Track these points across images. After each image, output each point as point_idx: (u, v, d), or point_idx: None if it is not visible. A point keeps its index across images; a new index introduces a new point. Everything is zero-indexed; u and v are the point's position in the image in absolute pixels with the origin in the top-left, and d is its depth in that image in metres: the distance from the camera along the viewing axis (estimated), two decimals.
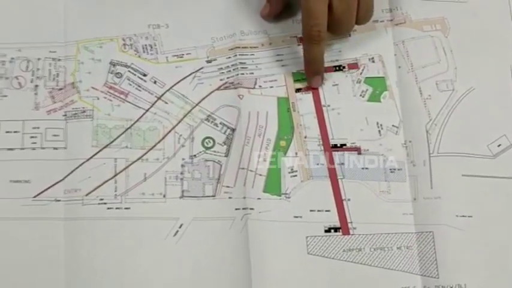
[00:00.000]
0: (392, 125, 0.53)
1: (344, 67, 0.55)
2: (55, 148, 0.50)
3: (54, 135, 0.50)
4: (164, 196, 0.50)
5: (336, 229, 0.50)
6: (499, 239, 0.50)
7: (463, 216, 0.51)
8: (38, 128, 0.50)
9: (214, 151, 0.51)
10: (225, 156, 0.51)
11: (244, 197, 0.50)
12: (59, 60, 0.53)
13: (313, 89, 0.54)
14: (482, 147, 0.53)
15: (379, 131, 0.53)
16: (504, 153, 0.53)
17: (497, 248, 0.50)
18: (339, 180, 0.51)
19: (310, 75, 0.53)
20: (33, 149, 0.50)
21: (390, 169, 0.52)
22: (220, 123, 0.52)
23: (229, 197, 0.50)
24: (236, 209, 0.50)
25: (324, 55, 0.55)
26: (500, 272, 0.49)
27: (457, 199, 0.51)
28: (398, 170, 0.52)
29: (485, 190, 0.51)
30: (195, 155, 0.51)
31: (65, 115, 0.51)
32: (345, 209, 0.51)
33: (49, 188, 0.49)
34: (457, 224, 0.50)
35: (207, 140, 0.52)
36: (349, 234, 0.50)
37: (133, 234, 0.48)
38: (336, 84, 0.54)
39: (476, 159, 0.52)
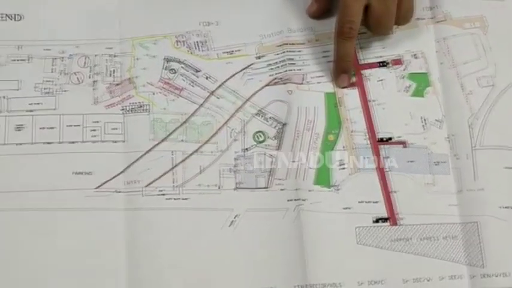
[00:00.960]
0: (436, 120, 0.53)
1: (388, 63, 0.55)
2: (114, 141, 0.50)
3: (113, 129, 0.50)
4: (219, 188, 0.50)
5: (384, 220, 0.50)
6: None
7: (506, 207, 0.51)
8: (98, 122, 0.50)
9: (266, 145, 0.52)
10: (277, 149, 0.52)
11: (296, 189, 0.50)
12: (115, 56, 0.53)
13: (359, 85, 0.54)
14: None
15: (423, 125, 0.53)
16: None
17: None
18: (386, 173, 0.52)
19: (338, 73, 0.52)
20: (94, 142, 0.50)
21: (435, 162, 0.52)
22: (271, 118, 0.53)
23: (282, 189, 0.50)
24: (288, 200, 0.50)
25: (367, 51, 0.55)
26: None
27: (499, 191, 0.51)
28: (443, 162, 0.52)
29: None
30: (247, 149, 0.52)
31: (123, 109, 0.51)
32: (392, 200, 0.51)
33: (110, 179, 0.49)
34: (501, 215, 0.50)
35: (258, 134, 0.52)
36: (397, 224, 0.50)
37: (192, 224, 0.48)
38: (381, 80, 0.54)
39: None
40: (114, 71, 0.51)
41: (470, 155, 0.52)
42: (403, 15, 0.52)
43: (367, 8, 0.51)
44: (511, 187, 0.51)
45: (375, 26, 0.52)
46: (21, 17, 0.52)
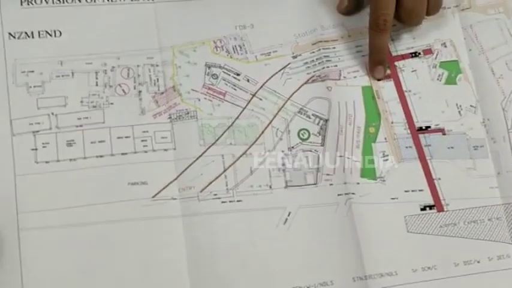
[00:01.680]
0: (470, 105, 0.54)
1: (419, 53, 0.55)
2: (165, 150, 0.50)
3: (163, 138, 0.50)
4: (270, 187, 0.50)
5: (431, 207, 0.51)
6: None
7: None
8: (147, 131, 0.50)
9: (311, 142, 0.52)
10: (321, 145, 0.52)
11: (345, 183, 0.50)
12: (157, 65, 0.52)
13: (393, 76, 0.54)
14: None
15: (459, 111, 0.54)
16: None
17: None
18: (428, 161, 0.52)
19: (373, 65, 0.52)
20: (146, 152, 0.49)
21: (473, 147, 0.53)
22: (313, 115, 0.52)
23: (330, 184, 0.50)
24: (339, 195, 0.50)
25: (399, 43, 0.55)
26: None
27: None
28: (481, 147, 0.52)
29: None
30: (293, 147, 0.52)
31: (170, 117, 0.51)
32: (436, 187, 0.51)
33: (165, 187, 0.49)
34: None
35: (302, 132, 0.52)
36: (443, 210, 0.51)
37: (248, 225, 0.48)
38: (415, 70, 0.54)
39: None
40: (157, 80, 0.51)
41: (507, 138, 0.52)
42: (433, 6, 0.52)
43: (397, 1, 0.51)
44: None
45: (406, 18, 0.52)
46: (60, 33, 0.51)
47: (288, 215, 0.48)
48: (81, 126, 0.49)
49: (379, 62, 0.52)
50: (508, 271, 0.48)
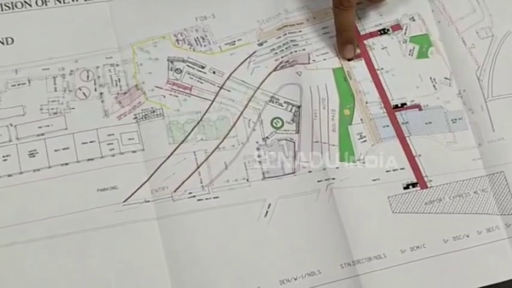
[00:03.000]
0: (445, 78, 0.53)
1: (388, 30, 0.54)
2: (133, 151, 0.48)
3: (130, 139, 0.48)
4: (247, 180, 0.48)
5: (414, 185, 0.50)
6: None
7: None
8: (113, 134, 0.48)
9: (285, 130, 0.50)
10: (296, 133, 0.50)
11: (324, 169, 0.49)
12: (117, 65, 0.50)
13: (364, 55, 0.53)
14: None
15: (434, 85, 0.53)
16: None
17: None
18: (407, 138, 0.51)
19: (342, 44, 0.51)
20: (113, 155, 0.48)
21: (452, 120, 0.52)
22: (285, 102, 0.51)
23: (309, 171, 0.49)
24: (318, 181, 0.49)
25: (366, 21, 0.54)
26: None
27: None
28: (459, 119, 0.52)
29: None
30: (267, 137, 0.50)
31: (135, 117, 0.49)
32: (418, 164, 0.50)
33: (136, 190, 0.47)
34: None
35: (275, 121, 0.51)
36: (427, 187, 0.49)
37: (227, 221, 0.47)
38: (385, 47, 0.53)
39: None
40: (119, 80, 0.49)
41: (485, 107, 0.52)
42: None
43: None
44: None
45: None
46: (12, 40, 0.49)
47: (268, 207, 0.47)
48: (42, 134, 0.47)
49: (347, 41, 0.50)
50: (498, 243, 0.48)
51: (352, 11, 0.49)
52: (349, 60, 0.51)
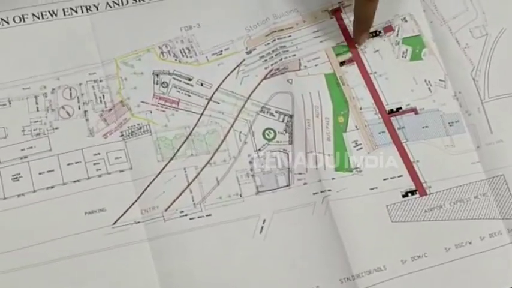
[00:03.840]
0: (440, 80, 0.51)
1: (380, 32, 0.53)
2: (121, 171, 0.47)
3: (117, 158, 0.47)
4: (241, 196, 0.47)
5: (413, 192, 0.49)
6: None
7: None
8: (99, 153, 0.47)
9: (278, 141, 0.49)
10: (290, 143, 0.49)
11: (320, 180, 0.48)
12: (101, 81, 0.49)
13: (356, 60, 0.52)
14: None
15: (429, 87, 0.51)
16: None
17: None
18: (404, 144, 0.50)
19: (359, 33, 0.50)
20: (100, 176, 0.46)
21: (449, 123, 0.51)
22: (276, 112, 0.50)
23: (304, 183, 0.48)
24: (314, 194, 0.47)
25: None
26: None
27: None
28: (456, 122, 0.51)
29: None
30: (259, 149, 0.49)
31: (122, 135, 0.48)
32: (416, 170, 0.49)
33: (126, 211, 0.46)
34: None
35: (267, 132, 0.49)
36: (426, 194, 0.48)
37: (222, 239, 0.45)
38: (377, 50, 0.52)
39: None
40: (103, 96, 0.48)
41: (482, 109, 0.50)
42: None
43: None
44: None
45: None
46: None
47: (263, 223, 0.46)
48: (25, 157, 0.45)
49: (365, 30, 0.50)
50: (502, 248, 0.47)
51: (376, 3, 0.48)
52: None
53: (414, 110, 0.50)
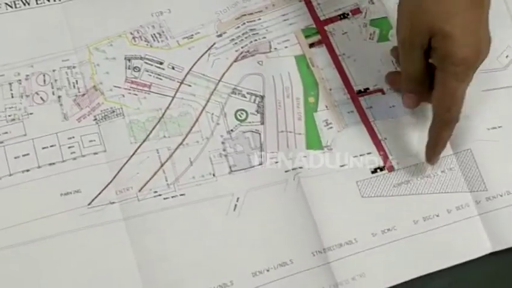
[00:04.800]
0: None
1: (348, 14, 0.55)
2: (95, 153, 0.48)
3: (91, 141, 0.48)
4: (214, 175, 0.49)
5: (382, 168, 0.50)
6: None
7: (493, 128, 0.52)
8: (73, 137, 0.48)
9: (250, 122, 0.51)
10: (261, 124, 0.51)
11: (291, 158, 0.50)
12: (74, 67, 0.50)
13: (325, 42, 0.54)
14: (493, 61, 0.54)
15: (395, 68, 0.53)
16: None
17: None
18: (372, 123, 0.52)
19: (434, 154, 0.48)
20: (74, 158, 0.48)
21: None
22: (248, 93, 0.51)
23: (276, 162, 0.49)
24: (286, 171, 0.49)
25: (325, 6, 0.55)
26: None
27: (483, 114, 0.52)
28: None
29: (505, 100, 0.53)
30: (232, 130, 0.50)
31: (96, 119, 0.49)
32: (384, 147, 0.51)
33: (100, 192, 0.47)
34: (490, 136, 0.51)
35: (239, 113, 0.51)
36: (394, 170, 0.50)
37: (196, 218, 0.47)
38: (345, 33, 0.54)
39: (490, 74, 0.53)
40: (76, 81, 0.49)
41: None
42: None
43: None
44: (493, 108, 0.52)
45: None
46: None
47: (237, 201, 0.47)
48: (1, 142, 0.47)
49: (439, 152, 0.48)
50: (469, 220, 0.49)
51: (452, 130, 0.46)
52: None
53: (381, 90, 0.52)
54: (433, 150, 0.47)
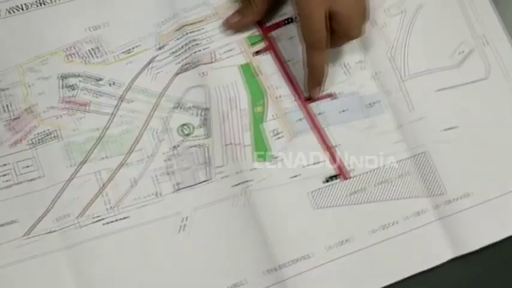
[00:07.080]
0: (359, 61, 0.52)
1: (293, 19, 0.54)
2: (31, 179, 0.46)
3: (26, 167, 0.47)
4: (159, 195, 0.47)
5: (335, 177, 0.49)
6: (486, 138, 0.50)
7: (449, 128, 0.51)
8: (7, 164, 0.46)
9: (195, 136, 0.49)
10: (207, 137, 0.49)
11: (238, 172, 0.48)
12: (6, 89, 0.49)
13: (271, 48, 0.52)
14: (446, 59, 0.53)
15: (346, 71, 0.52)
16: (467, 59, 0.53)
17: (487, 148, 0.50)
18: (324, 129, 0.50)
19: (313, 86, 0.49)
20: (9, 187, 0.46)
21: (367, 104, 0.51)
22: (192, 107, 0.50)
23: (223, 177, 0.48)
24: (233, 186, 0.48)
25: (271, 12, 0.54)
26: (497, 168, 0.50)
27: (439, 114, 0.51)
28: (376, 102, 0.51)
29: (460, 98, 0.52)
30: (177, 146, 0.49)
31: (30, 143, 0.47)
32: (337, 155, 0.50)
33: (38, 221, 0.45)
34: (446, 138, 0.50)
35: (184, 127, 0.49)
36: (349, 177, 0.49)
37: (141, 241, 0.45)
38: (291, 38, 0.53)
39: (444, 72, 0.52)
40: (9, 105, 0.47)
41: (401, 87, 0.51)
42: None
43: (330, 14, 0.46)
44: (448, 107, 0.51)
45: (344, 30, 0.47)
46: None
47: (184, 221, 0.46)
48: None
49: (318, 82, 0.49)
50: (428, 226, 0.48)
51: (325, 52, 0.47)
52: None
53: (331, 95, 0.51)
54: (312, 81, 0.48)
